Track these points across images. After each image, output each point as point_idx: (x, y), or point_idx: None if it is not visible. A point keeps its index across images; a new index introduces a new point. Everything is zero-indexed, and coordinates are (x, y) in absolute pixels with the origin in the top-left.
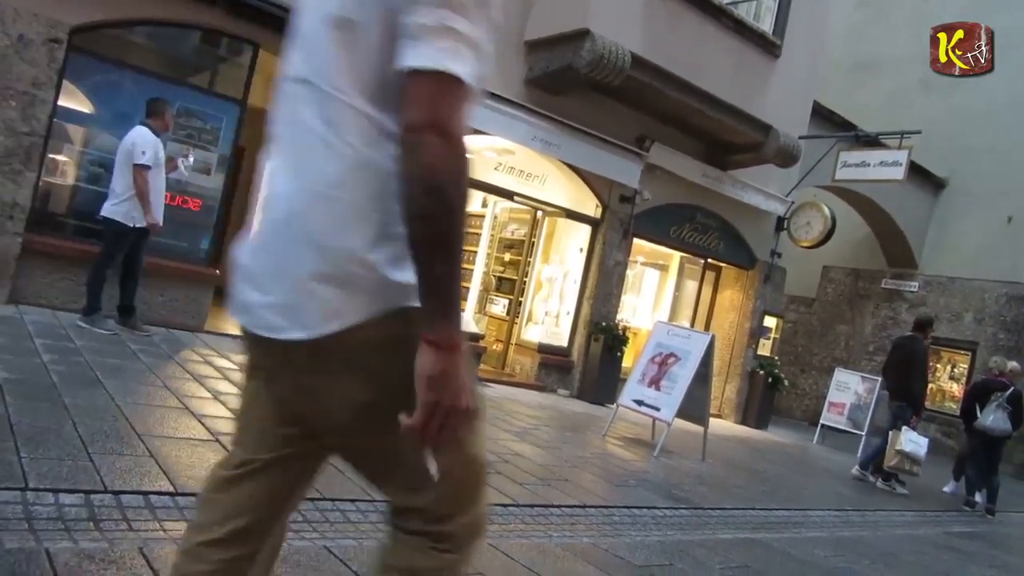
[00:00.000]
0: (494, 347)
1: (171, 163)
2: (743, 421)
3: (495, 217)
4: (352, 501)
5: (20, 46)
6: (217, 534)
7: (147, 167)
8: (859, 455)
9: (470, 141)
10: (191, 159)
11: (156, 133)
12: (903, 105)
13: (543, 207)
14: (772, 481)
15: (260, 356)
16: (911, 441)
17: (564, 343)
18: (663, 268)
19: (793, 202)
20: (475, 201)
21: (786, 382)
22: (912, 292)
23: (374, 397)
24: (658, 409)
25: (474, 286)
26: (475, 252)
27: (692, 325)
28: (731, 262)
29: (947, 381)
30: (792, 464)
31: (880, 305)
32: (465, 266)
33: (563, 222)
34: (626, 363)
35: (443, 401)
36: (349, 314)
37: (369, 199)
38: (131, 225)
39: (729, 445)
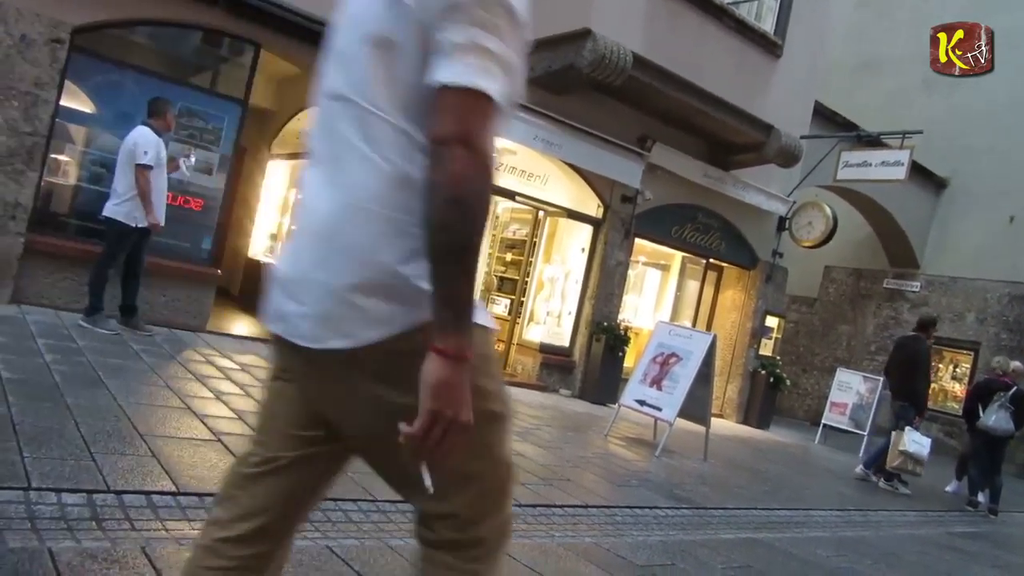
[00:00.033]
0: (495, 347)
1: (173, 163)
2: (745, 421)
3: (497, 217)
4: (354, 501)
5: (22, 46)
6: (236, 531)
7: (149, 167)
8: (862, 455)
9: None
10: (193, 159)
11: (158, 133)
12: (904, 105)
13: (545, 207)
14: (774, 481)
15: (292, 362)
16: (914, 441)
17: (566, 343)
18: (665, 268)
19: (795, 202)
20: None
21: (788, 382)
22: (914, 292)
23: (405, 405)
24: (660, 409)
25: (476, 286)
26: None
27: (694, 325)
28: (733, 262)
29: (949, 381)
30: (794, 464)
31: (882, 305)
32: None
33: (565, 222)
34: (628, 363)
35: (445, 411)
36: (386, 325)
37: (407, 213)
38: (133, 225)
39: (731, 445)
